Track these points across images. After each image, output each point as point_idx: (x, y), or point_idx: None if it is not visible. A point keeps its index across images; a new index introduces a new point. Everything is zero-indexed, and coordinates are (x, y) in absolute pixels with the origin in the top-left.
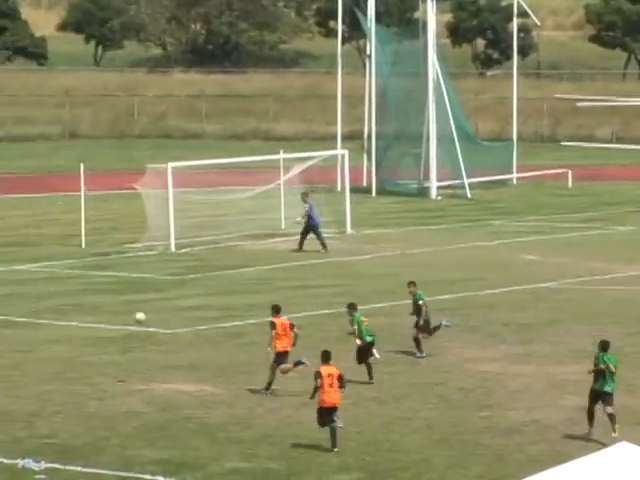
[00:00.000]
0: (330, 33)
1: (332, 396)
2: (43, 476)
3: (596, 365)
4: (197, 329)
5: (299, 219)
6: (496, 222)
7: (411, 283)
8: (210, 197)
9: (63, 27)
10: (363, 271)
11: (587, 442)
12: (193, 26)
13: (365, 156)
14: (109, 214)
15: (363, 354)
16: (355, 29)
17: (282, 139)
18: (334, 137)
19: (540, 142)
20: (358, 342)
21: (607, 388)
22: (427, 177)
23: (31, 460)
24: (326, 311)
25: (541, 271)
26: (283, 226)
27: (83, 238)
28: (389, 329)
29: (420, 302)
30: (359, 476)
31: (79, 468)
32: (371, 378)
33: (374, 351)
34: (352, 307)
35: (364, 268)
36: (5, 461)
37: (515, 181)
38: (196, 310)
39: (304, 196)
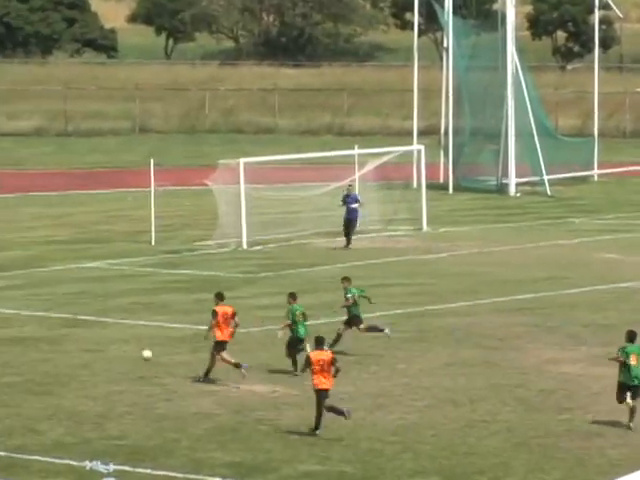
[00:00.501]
0: (406, 25)
1: (324, 380)
2: (112, 478)
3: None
4: (269, 329)
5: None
6: (576, 220)
7: (345, 279)
8: (283, 193)
9: (133, 19)
10: (439, 270)
11: None
12: (266, 18)
13: (442, 152)
14: (180, 210)
15: (292, 347)
16: (432, 21)
17: (357, 134)
18: (410, 132)
19: (622, 138)
20: (279, 334)
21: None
22: (506, 174)
23: (99, 462)
24: (401, 311)
25: (621, 270)
26: (357, 223)
27: (153, 235)
28: (466, 329)
29: (348, 296)
30: None
31: (149, 470)
32: (295, 370)
33: (306, 346)
34: (292, 296)
35: (440, 267)
36: (73, 463)
37: (596, 178)
38: (268, 309)
39: (350, 188)
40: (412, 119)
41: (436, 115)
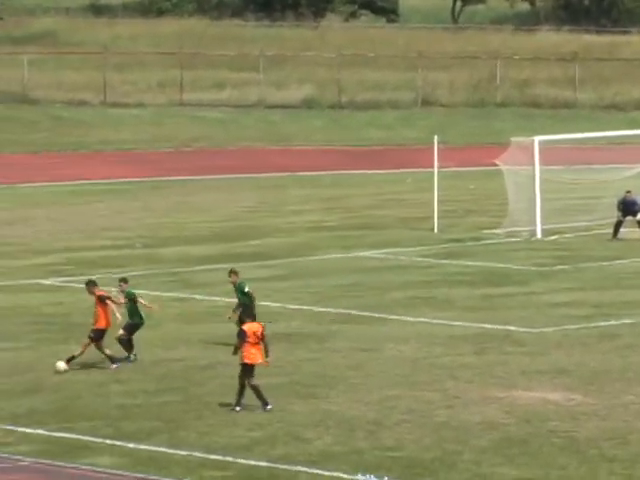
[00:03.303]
0: None
1: (256, 354)
2: None
3: None
4: (566, 328)
5: None
6: None
7: (232, 272)
8: (582, 176)
9: None
10: None
11: None
12: None
13: None
14: (466, 194)
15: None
16: None
17: None
18: None
19: None
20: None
21: None
22: None
23: (373, 476)
24: None
25: None
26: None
27: (435, 221)
28: None
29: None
30: None
31: None
32: None
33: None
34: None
35: None
36: (343, 476)
37: None
38: (565, 307)
39: (629, 195)
40: None
41: None
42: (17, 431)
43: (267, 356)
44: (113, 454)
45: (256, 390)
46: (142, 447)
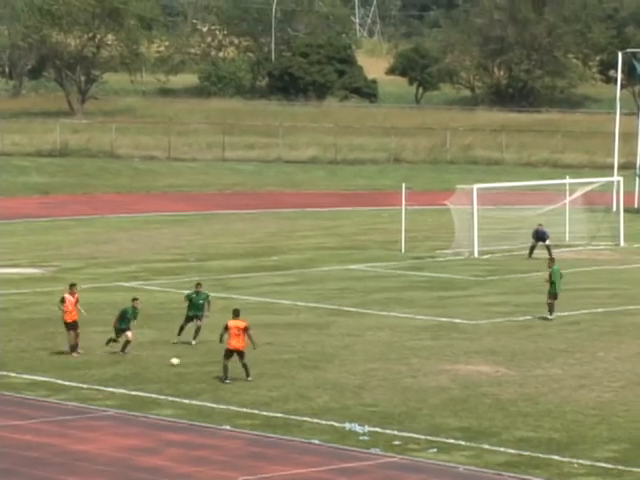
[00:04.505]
0: (610, 80)
1: (236, 342)
2: (366, 437)
3: (550, 277)
4: (495, 321)
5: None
6: None
7: (198, 284)
8: (507, 214)
9: (391, 71)
10: (633, 277)
11: None
12: (497, 72)
13: (637, 182)
14: (424, 225)
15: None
16: (631, 77)
17: (568, 167)
18: (611, 167)
19: None
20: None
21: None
22: None
23: (357, 424)
24: (601, 309)
25: None
26: (567, 238)
27: (403, 244)
28: None
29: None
30: (627, 447)
31: (395, 432)
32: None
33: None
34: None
35: (634, 275)
36: (335, 424)
37: None
38: (494, 306)
39: (540, 227)
40: (613, 156)
41: (633, 153)
42: (105, 390)
43: (254, 347)
44: (173, 407)
45: (245, 367)
46: (194, 402)
